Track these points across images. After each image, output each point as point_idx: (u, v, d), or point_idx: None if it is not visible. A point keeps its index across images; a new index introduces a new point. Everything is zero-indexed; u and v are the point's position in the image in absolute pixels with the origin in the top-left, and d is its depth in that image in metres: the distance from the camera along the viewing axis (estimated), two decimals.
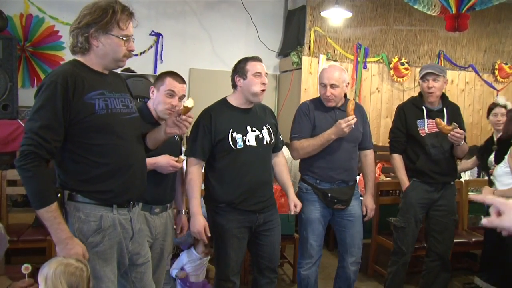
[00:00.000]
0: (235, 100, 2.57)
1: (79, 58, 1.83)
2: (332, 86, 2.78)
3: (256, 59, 2.55)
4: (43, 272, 1.64)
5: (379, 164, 4.44)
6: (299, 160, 2.98)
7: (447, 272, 3.18)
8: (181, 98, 2.44)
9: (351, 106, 2.69)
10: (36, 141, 1.64)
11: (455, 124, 2.88)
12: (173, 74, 2.46)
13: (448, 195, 3.12)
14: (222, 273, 2.55)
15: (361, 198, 3.03)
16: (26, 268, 2.07)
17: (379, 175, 4.23)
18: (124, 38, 1.80)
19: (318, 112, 2.86)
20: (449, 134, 2.86)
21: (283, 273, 4.00)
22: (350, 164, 2.88)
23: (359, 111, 2.96)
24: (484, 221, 1.43)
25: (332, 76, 2.79)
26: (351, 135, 2.85)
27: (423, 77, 3.06)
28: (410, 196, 3.09)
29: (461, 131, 2.88)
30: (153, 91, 2.47)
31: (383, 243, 3.75)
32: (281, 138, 2.75)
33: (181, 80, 2.49)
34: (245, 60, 2.54)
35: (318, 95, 3.02)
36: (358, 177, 3.09)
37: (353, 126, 2.80)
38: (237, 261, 2.54)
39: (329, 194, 2.81)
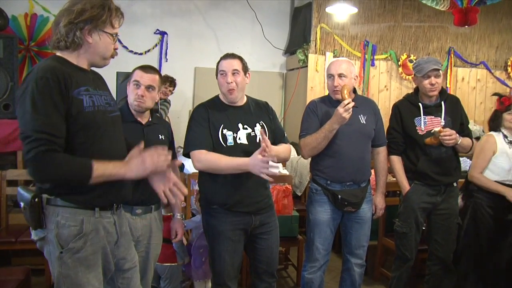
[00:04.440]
0: (224, 98, 2.51)
1: (60, 54, 1.76)
2: (340, 76, 2.69)
3: (225, 56, 2.47)
4: None
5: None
6: (308, 159, 2.88)
7: (451, 276, 3.06)
8: (148, 88, 2.44)
9: (345, 91, 2.60)
10: (45, 139, 1.56)
11: (435, 129, 2.78)
12: (143, 66, 2.50)
13: (450, 198, 2.99)
14: (217, 277, 2.47)
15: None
16: None
17: None
18: (116, 36, 1.80)
19: (326, 109, 2.75)
20: (441, 141, 2.78)
21: (287, 275, 3.92)
22: (362, 163, 2.76)
23: (371, 106, 2.87)
24: None
25: (340, 67, 2.72)
26: (364, 131, 2.76)
27: (425, 74, 2.90)
28: (411, 200, 2.95)
29: (449, 131, 2.77)
30: (128, 85, 2.50)
31: (389, 245, 3.65)
32: (285, 135, 2.63)
33: (150, 71, 2.48)
34: (219, 59, 2.50)
35: (325, 93, 2.95)
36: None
37: (362, 120, 2.73)
38: (233, 265, 2.46)
39: (339, 196, 2.70)
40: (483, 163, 3.13)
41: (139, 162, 1.70)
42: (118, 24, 1.81)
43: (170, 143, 2.60)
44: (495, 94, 3.27)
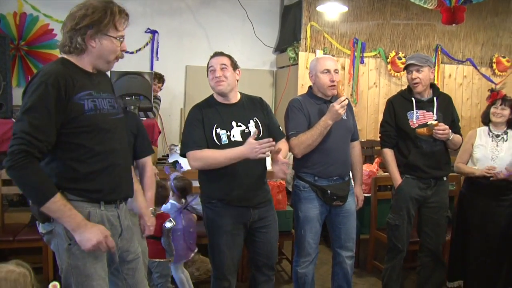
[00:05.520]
0: (216, 96, 2.57)
1: (68, 57, 1.81)
2: (335, 71, 2.76)
3: (214, 54, 2.55)
4: None
5: (377, 159, 4.41)
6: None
7: (441, 267, 3.16)
8: None
9: (340, 87, 2.67)
10: (26, 140, 1.61)
11: (432, 122, 2.87)
12: None
13: (441, 191, 3.08)
14: (218, 270, 2.52)
15: None
16: (54, 286, 1.78)
17: (377, 170, 4.20)
18: (121, 40, 1.81)
19: (312, 107, 2.80)
20: (433, 134, 2.86)
21: (281, 269, 3.98)
22: (346, 157, 2.86)
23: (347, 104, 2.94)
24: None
25: (333, 63, 2.79)
26: (347, 126, 2.84)
27: (406, 69, 3.02)
28: (403, 193, 3.04)
29: (443, 126, 2.86)
30: None
31: (381, 238, 3.73)
32: (280, 128, 2.67)
33: None
34: (209, 58, 2.56)
35: None
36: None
37: (344, 116, 2.78)
38: (233, 259, 2.51)
39: (329, 191, 2.76)
40: (463, 154, 3.33)
41: (89, 237, 1.68)
42: (122, 26, 1.81)
43: (136, 137, 2.53)
44: (490, 89, 3.40)
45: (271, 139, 2.31)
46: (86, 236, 1.68)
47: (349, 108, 2.91)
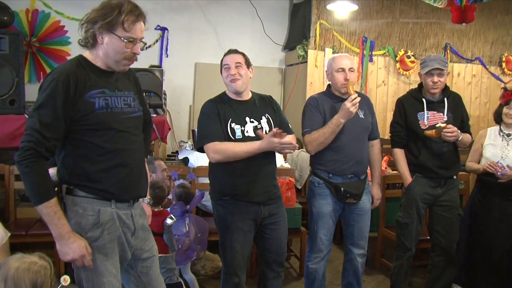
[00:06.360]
0: (229, 93, 2.60)
1: (85, 53, 1.84)
2: (350, 69, 2.78)
3: (229, 52, 2.58)
4: (1, 272, 1.58)
5: (385, 157, 4.42)
6: (308, 154, 2.95)
7: (453, 266, 3.15)
8: None
9: (351, 87, 2.70)
10: (35, 138, 1.65)
11: (440, 124, 2.87)
12: None
13: (451, 190, 3.08)
14: (228, 267, 2.55)
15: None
16: (65, 280, 1.76)
17: (385, 168, 4.21)
18: (125, 40, 1.75)
19: (328, 105, 2.83)
20: (442, 136, 2.86)
21: (289, 266, 4.01)
22: (362, 156, 2.86)
23: (366, 102, 2.95)
24: None
25: (349, 61, 2.82)
26: (364, 125, 2.86)
27: (428, 72, 2.98)
28: (413, 192, 3.04)
29: (452, 128, 2.85)
30: None
31: (389, 236, 3.75)
32: (289, 125, 2.70)
33: None
34: (223, 56, 2.59)
35: (324, 88, 3.04)
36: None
37: (361, 115, 2.81)
38: (244, 255, 2.54)
39: (342, 189, 2.79)
40: (473, 154, 3.34)
41: (66, 251, 1.71)
42: (130, 27, 1.74)
43: None
44: (503, 88, 3.38)
45: (296, 145, 2.37)
46: (64, 250, 1.71)
47: (368, 106, 2.94)
